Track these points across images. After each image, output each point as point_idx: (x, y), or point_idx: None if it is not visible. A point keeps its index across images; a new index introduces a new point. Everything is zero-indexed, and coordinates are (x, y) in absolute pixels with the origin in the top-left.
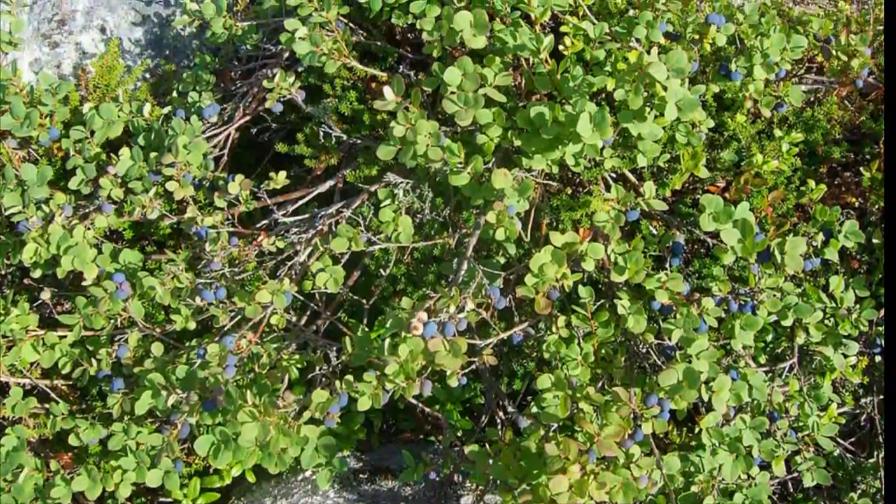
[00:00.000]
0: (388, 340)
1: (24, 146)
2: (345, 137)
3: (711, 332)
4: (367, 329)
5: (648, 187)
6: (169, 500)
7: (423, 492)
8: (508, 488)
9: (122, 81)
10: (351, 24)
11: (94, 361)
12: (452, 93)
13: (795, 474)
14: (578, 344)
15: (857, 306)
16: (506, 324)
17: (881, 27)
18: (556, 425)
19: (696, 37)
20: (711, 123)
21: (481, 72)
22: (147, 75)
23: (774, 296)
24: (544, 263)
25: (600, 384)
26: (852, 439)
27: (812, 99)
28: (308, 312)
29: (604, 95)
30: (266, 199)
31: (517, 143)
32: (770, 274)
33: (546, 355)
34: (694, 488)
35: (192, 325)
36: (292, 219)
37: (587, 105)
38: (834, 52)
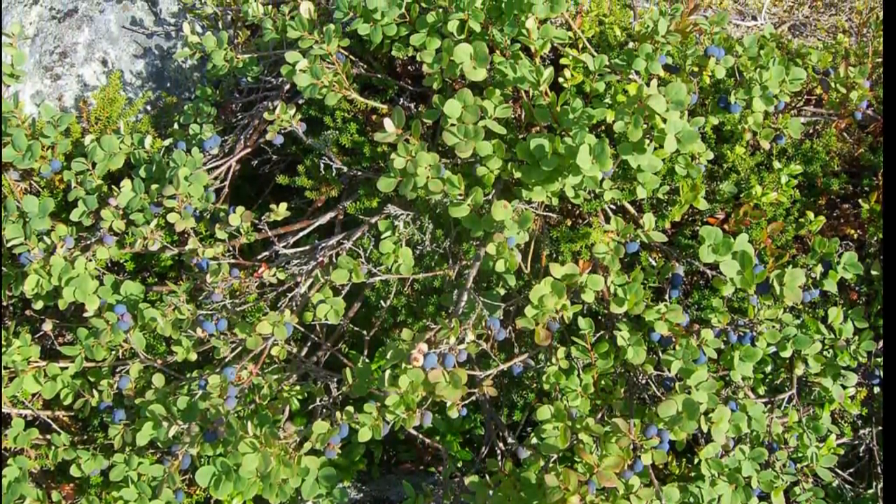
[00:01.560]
0: (388, 372)
1: (26, 178)
2: (345, 169)
3: (711, 364)
4: (367, 360)
5: (648, 219)
6: None
7: None
8: None
9: (123, 113)
10: (351, 57)
11: (95, 392)
12: (452, 125)
13: None
14: (578, 375)
15: (856, 338)
16: (506, 355)
17: (880, 59)
18: (555, 456)
19: (696, 69)
20: (711, 155)
21: (481, 104)
22: (148, 107)
23: (773, 327)
24: (544, 295)
25: (600, 415)
26: (851, 470)
27: (811, 131)
28: (309, 344)
29: (603, 127)
30: (267, 230)
31: (517, 174)
32: (769, 305)
33: (546, 386)
34: None
35: (193, 357)
36: (293, 250)
37: (587, 137)
38: (833, 85)
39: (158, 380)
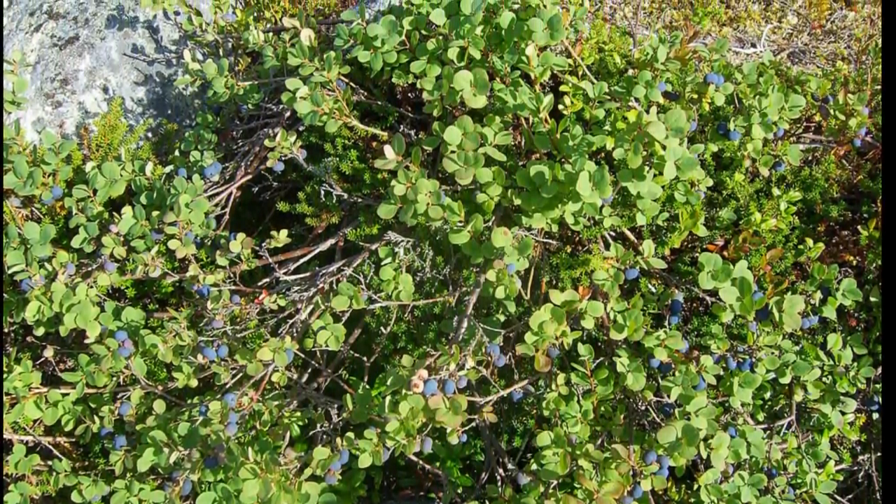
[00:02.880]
0: (388, 398)
1: (28, 205)
2: (346, 196)
3: (710, 390)
4: (367, 386)
5: (647, 246)
6: None
7: None
8: None
9: (124, 140)
10: (352, 84)
11: (96, 419)
12: (453, 152)
13: None
14: (578, 401)
15: (855, 364)
16: (506, 381)
17: (879, 87)
18: (555, 482)
19: (695, 96)
20: (710, 182)
21: (481, 131)
22: (149, 134)
23: (773, 353)
24: (544, 321)
25: (599, 441)
26: (850, 496)
27: (810, 158)
28: (309, 370)
29: (603, 154)
30: (267, 257)
31: (517, 201)
32: (768, 332)
33: (546, 412)
34: None
35: (193, 383)
36: (293, 277)
37: (586, 164)
38: (832, 112)
39: (159, 406)
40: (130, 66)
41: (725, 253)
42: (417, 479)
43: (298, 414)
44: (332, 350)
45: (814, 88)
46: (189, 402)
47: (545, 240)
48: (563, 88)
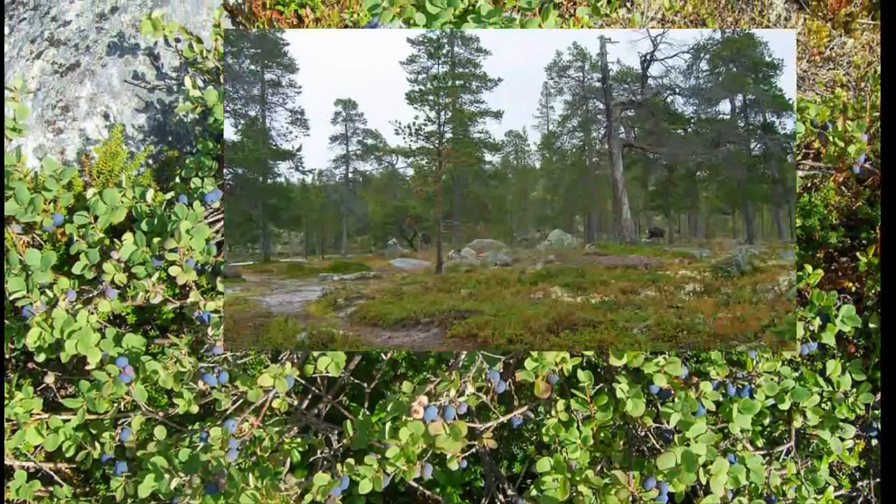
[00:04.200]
0: (388, 424)
1: (29, 231)
2: None
3: (709, 416)
4: (368, 413)
5: None
6: None
7: None
8: None
9: (125, 167)
10: None
11: (97, 445)
12: None
13: None
14: (578, 427)
15: (854, 390)
16: (505, 407)
17: (878, 113)
18: None
19: None
20: None
21: None
22: (150, 161)
23: (772, 380)
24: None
25: (599, 467)
26: None
27: (809, 184)
28: (310, 396)
29: None
30: None
31: None
32: (767, 358)
33: (545, 438)
34: None
35: (194, 409)
36: None
37: None
38: (831, 139)
39: (160, 432)
40: (131, 92)
41: None
42: None
43: (299, 440)
44: (332, 376)
45: (813, 115)
46: (190, 428)
47: None
48: None
